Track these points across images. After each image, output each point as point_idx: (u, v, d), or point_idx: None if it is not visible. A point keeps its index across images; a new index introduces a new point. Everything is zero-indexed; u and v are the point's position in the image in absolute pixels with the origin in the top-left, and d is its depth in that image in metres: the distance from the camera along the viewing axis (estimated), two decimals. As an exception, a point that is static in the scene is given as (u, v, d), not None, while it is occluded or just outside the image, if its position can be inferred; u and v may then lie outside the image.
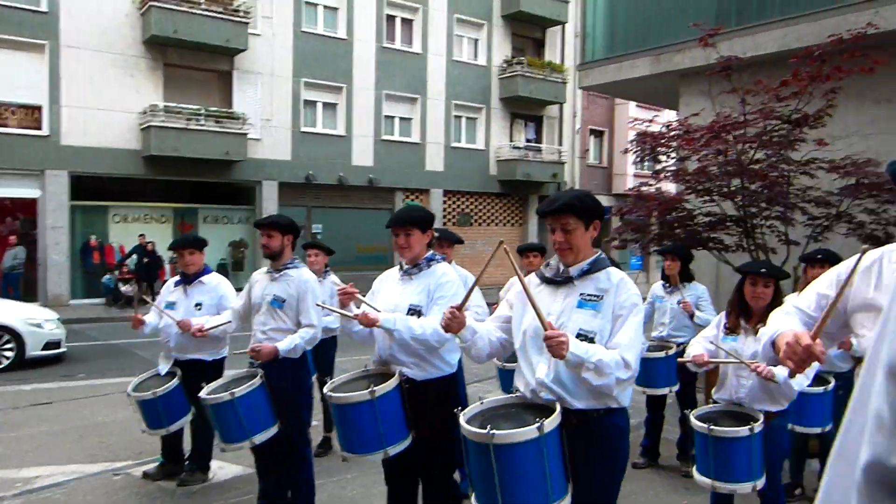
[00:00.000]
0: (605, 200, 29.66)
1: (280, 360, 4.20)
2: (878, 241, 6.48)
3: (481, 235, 25.59)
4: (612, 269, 2.80)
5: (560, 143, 27.39)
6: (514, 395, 2.88)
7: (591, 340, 2.64)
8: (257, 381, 4.13)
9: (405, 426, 3.47)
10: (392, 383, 3.39)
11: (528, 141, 26.60)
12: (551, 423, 2.50)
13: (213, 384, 4.32)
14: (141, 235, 17.94)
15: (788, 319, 2.25)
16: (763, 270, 3.86)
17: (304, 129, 21.08)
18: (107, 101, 17.72)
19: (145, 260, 17.51)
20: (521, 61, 24.97)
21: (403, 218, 3.63)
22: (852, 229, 6.51)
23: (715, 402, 3.99)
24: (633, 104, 29.70)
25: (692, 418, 3.73)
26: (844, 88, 6.25)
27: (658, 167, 7.46)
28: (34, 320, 10.19)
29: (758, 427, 3.55)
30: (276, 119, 20.51)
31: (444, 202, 24.41)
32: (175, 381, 4.88)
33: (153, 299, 5.46)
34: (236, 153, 18.81)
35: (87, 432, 6.55)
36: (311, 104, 21.40)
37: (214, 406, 4.06)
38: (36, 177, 17.01)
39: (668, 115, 10.77)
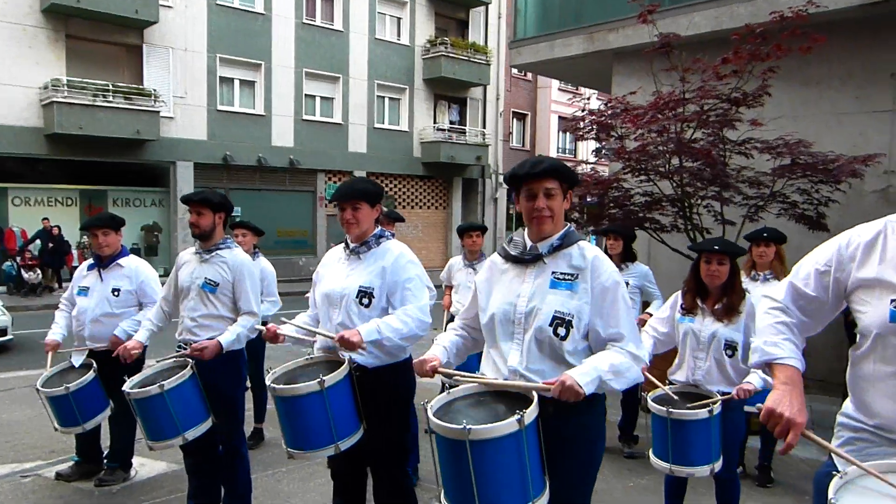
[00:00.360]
0: (527, 183, 29.91)
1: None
2: (810, 221, 6.66)
3: (405, 217, 25.27)
4: (585, 244, 2.57)
5: (484, 126, 27.35)
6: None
7: (569, 324, 2.45)
8: (188, 371, 3.77)
9: (356, 417, 3.21)
10: (342, 372, 3.08)
11: (451, 123, 26.41)
12: (531, 414, 2.26)
13: (137, 376, 3.91)
14: (45, 219, 16.74)
15: (781, 332, 2.08)
16: (716, 248, 3.74)
17: (220, 107, 20.17)
18: (3, 74, 16.37)
19: (50, 245, 16.36)
20: (444, 41, 24.70)
21: (351, 190, 3.32)
22: (785, 209, 6.64)
23: (671, 383, 3.92)
24: (555, 87, 30.11)
25: (650, 401, 3.60)
26: (777, 70, 6.33)
27: (599, 146, 7.39)
28: None
29: (717, 408, 3.45)
30: (191, 96, 19.52)
31: (368, 184, 23.94)
32: (91, 374, 4.43)
33: (60, 286, 4.97)
34: (148, 132, 17.79)
35: (-11, 432, 5.97)
36: (227, 81, 20.48)
37: (141, 401, 3.68)
38: (-78, 155, 15.58)
39: (592, 98, 10.73)
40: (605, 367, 2.37)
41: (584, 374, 2.32)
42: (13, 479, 4.85)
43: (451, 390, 2.56)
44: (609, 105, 7.13)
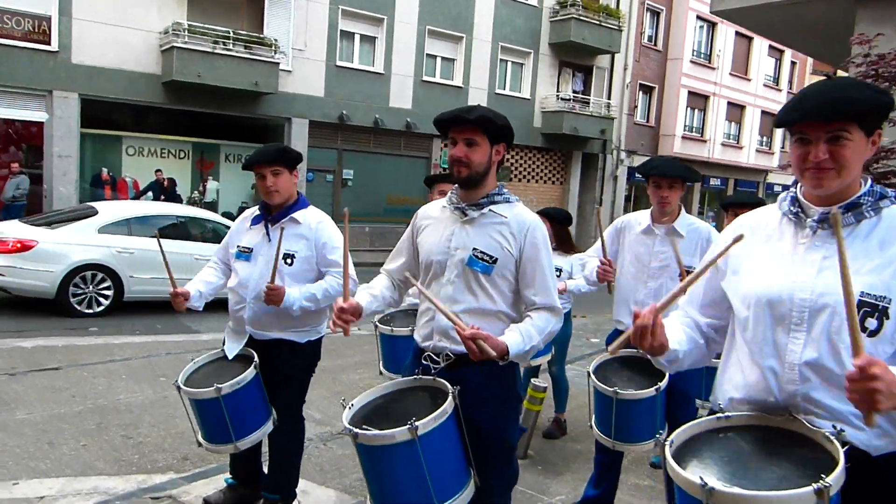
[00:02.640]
0: (650, 162, 27.73)
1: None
2: None
3: (520, 192, 23.71)
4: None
5: (609, 98, 25.32)
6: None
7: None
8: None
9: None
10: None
11: (574, 93, 24.52)
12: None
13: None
14: (158, 171, 16.13)
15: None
16: None
17: (339, 62, 19.03)
18: (125, 16, 15.67)
19: (162, 198, 15.72)
20: (575, 3, 22.72)
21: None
22: None
23: None
24: (687, 59, 27.63)
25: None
26: None
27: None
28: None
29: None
30: (310, 49, 18.45)
31: (485, 154, 22.45)
32: (251, 372, 3.14)
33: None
34: (266, 84, 16.82)
35: (106, 419, 4.86)
36: (348, 35, 19.30)
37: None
38: (42, 98, 15.05)
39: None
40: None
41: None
42: (141, 501, 3.64)
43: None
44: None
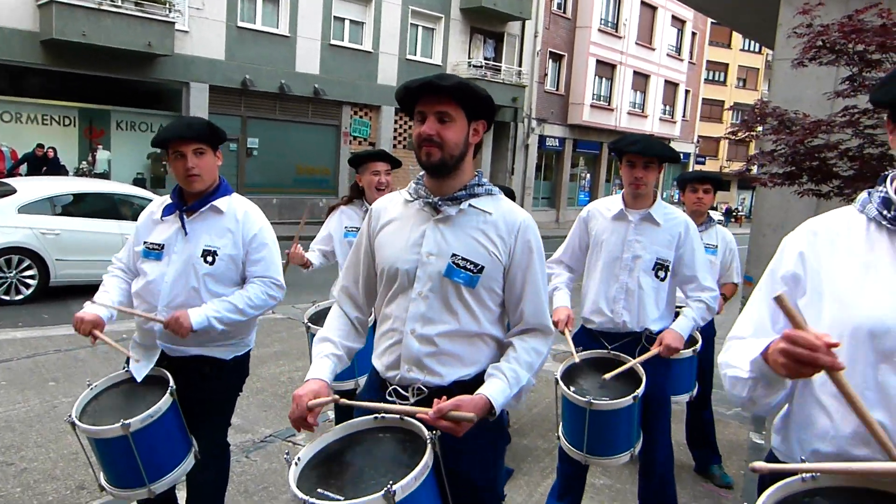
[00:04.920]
0: (559, 131, 27.88)
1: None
2: None
3: (432, 161, 23.28)
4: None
5: (520, 65, 25.11)
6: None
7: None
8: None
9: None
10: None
11: (486, 60, 24.16)
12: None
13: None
14: (39, 146, 14.61)
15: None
16: None
17: (241, 23, 17.83)
18: (-8, -35, 13.99)
19: (44, 169, 14.26)
20: (486, -33, 22.27)
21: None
22: None
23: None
24: (595, 28, 27.78)
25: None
26: None
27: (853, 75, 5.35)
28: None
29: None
30: (209, 8, 17.16)
31: (396, 122, 21.83)
32: (166, 400, 2.56)
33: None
34: (160, 46, 15.50)
35: (-18, 440, 4.12)
36: (249, -6, 18.12)
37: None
38: None
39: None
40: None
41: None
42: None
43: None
44: (854, 20, 5.11)
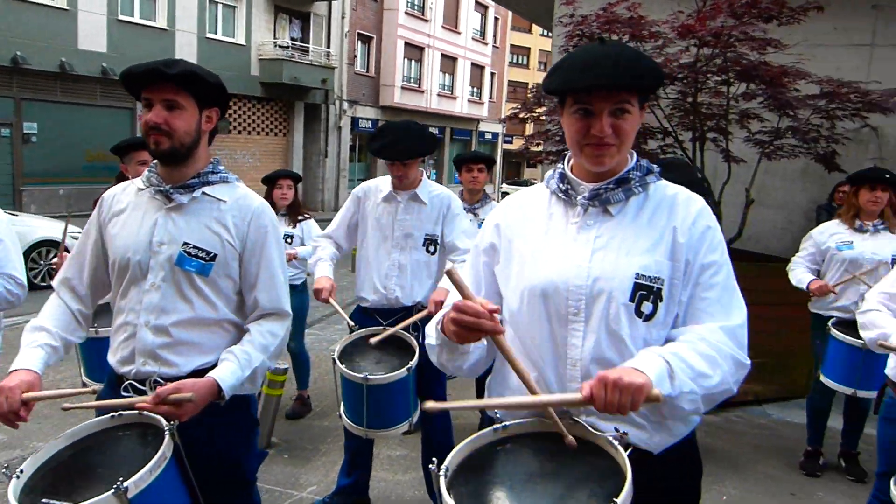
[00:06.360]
0: (372, 113, 27.97)
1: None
2: (825, 161, 5.77)
3: (240, 145, 22.45)
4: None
5: (328, 46, 24.78)
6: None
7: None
8: (163, 451, 1.70)
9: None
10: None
11: (293, 40, 23.56)
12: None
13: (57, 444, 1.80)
14: None
15: None
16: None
17: (8, -7, 15.94)
18: None
19: None
20: (287, -56, 21.66)
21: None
22: (801, 146, 5.66)
23: None
24: (402, 10, 28.09)
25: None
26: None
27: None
28: None
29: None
30: (-34, -25, 15.16)
31: (199, 104, 20.66)
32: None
33: None
34: None
35: None
36: (16, -40, 16.19)
37: None
38: None
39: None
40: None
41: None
42: None
43: None
44: (609, 13, 5.58)
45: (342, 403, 3.20)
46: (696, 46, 5.22)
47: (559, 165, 1.68)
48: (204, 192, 1.96)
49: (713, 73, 5.21)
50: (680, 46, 5.33)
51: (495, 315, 1.40)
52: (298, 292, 4.92)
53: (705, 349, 1.44)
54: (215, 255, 1.93)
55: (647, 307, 1.50)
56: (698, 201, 1.59)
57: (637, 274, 1.50)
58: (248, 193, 2.04)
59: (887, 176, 3.94)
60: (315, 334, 7.18)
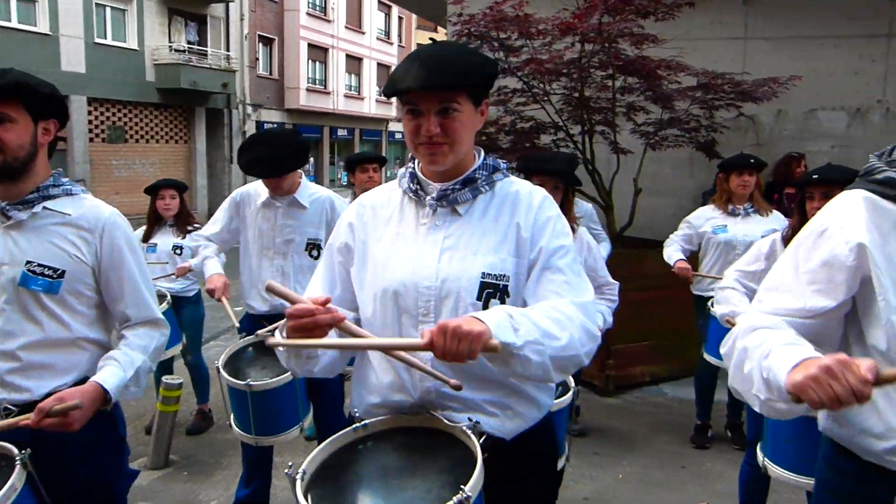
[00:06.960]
0: (277, 116, 27.46)
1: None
2: (705, 149, 6.08)
3: (139, 154, 21.59)
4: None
5: (228, 49, 24.14)
6: None
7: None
8: (14, 481, 1.64)
9: None
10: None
11: (189, 44, 22.82)
12: None
13: None
14: None
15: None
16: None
17: None
18: None
19: None
20: (178, -56, 20.95)
21: None
22: (683, 135, 5.94)
23: None
24: (304, 11, 27.73)
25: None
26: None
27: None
28: None
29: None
30: None
31: (91, 113, 19.71)
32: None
33: None
34: None
35: None
36: None
37: None
38: None
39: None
40: None
41: None
42: None
43: None
44: (496, 12, 5.69)
45: (231, 413, 3.14)
46: (580, 43, 5.39)
47: (409, 164, 1.69)
48: (45, 207, 1.86)
49: (596, 67, 5.40)
50: (566, 43, 5.50)
51: (329, 306, 1.40)
52: (192, 304, 4.79)
53: (553, 313, 1.46)
54: (63, 272, 1.84)
55: (494, 304, 1.54)
56: (539, 193, 1.64)
57: (483, 273, 1.54)
58: (98, 204, 1.95)
59: (752, 161, 4.20)
60: (220, 346, 7.00)
